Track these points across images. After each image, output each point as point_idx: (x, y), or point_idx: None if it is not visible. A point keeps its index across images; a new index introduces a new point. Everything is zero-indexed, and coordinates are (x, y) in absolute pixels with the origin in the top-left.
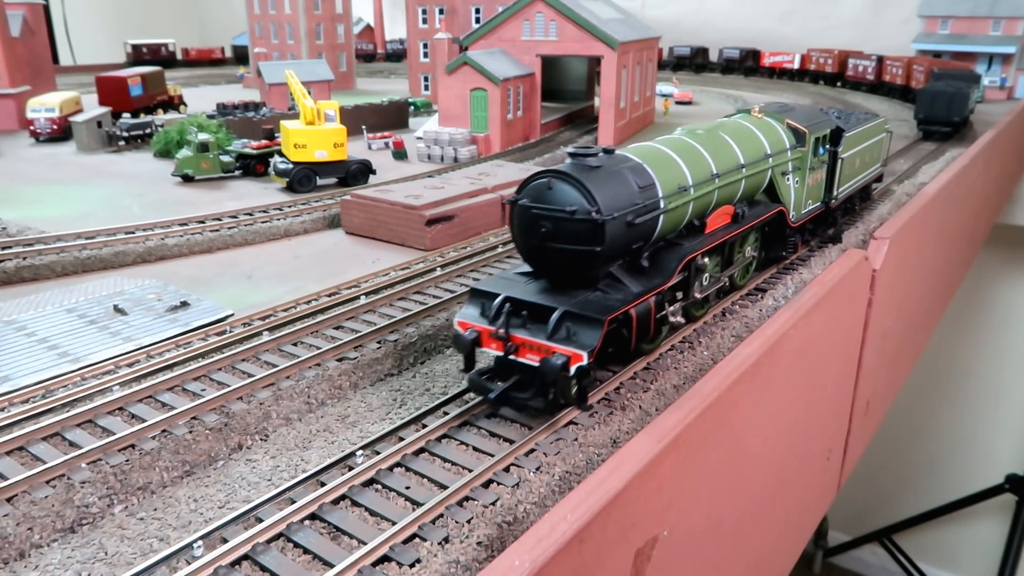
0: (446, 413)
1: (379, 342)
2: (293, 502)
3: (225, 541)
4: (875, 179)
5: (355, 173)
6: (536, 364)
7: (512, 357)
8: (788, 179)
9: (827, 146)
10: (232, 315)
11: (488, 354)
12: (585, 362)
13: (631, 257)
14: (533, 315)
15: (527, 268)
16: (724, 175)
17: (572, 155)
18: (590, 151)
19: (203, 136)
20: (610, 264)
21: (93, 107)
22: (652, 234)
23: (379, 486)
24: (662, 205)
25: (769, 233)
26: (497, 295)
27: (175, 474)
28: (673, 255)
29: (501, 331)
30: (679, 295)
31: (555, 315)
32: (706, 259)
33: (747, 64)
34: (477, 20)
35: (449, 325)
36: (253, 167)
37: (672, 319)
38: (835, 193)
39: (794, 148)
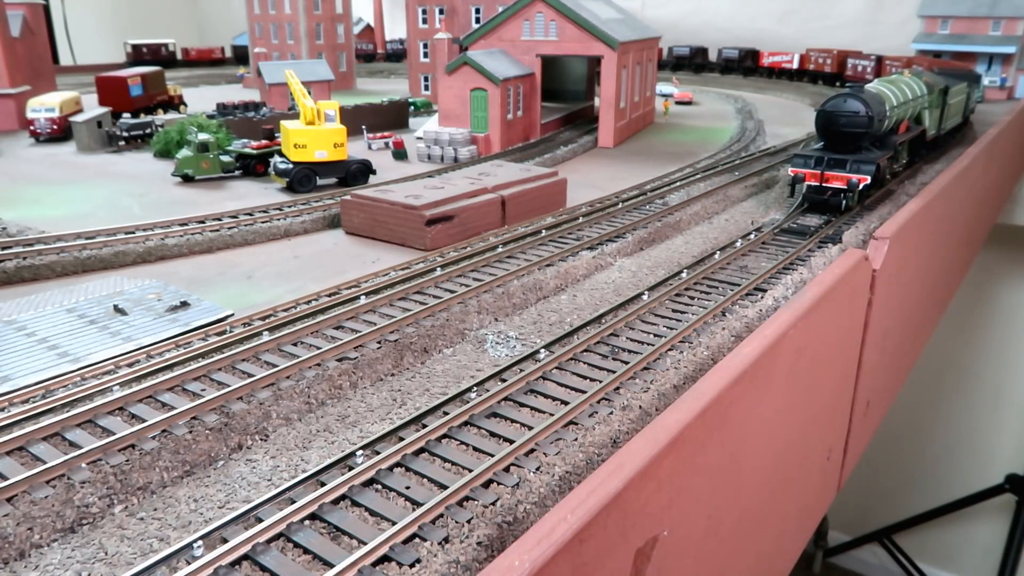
0: (446, 413)
1: (379, 342)
2: (293, 502)
3: (225, 541)
4: (960, 123)
5: (355, 173)
6: (842, 186)
7: (825, 184)
8: (925, 113)
9: (942, 96)
10: (232, 315)
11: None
12: (868, 182)
13: (872, 140)
14: (831, 164)
15: (817, 146)
16: (904, 104)
17: (850, 86)
18: (858, 85)
19: (203, 136)
20: (867, 141)
21: (93, 107)
22: (883, 127)
23: (379, 486)
24: (888, 113)
25: (912, 145)
26: (812, 156)
27: (175, 474)
28: (890, 141)
29: (818, 171)
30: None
31: (850, 161)
32: (900, 146)
33: (746, 64)
34: (477, 20)
35: None
36: (253, 167)
37: (887, 175)
38: (943, 124)
39: (928, 95)
